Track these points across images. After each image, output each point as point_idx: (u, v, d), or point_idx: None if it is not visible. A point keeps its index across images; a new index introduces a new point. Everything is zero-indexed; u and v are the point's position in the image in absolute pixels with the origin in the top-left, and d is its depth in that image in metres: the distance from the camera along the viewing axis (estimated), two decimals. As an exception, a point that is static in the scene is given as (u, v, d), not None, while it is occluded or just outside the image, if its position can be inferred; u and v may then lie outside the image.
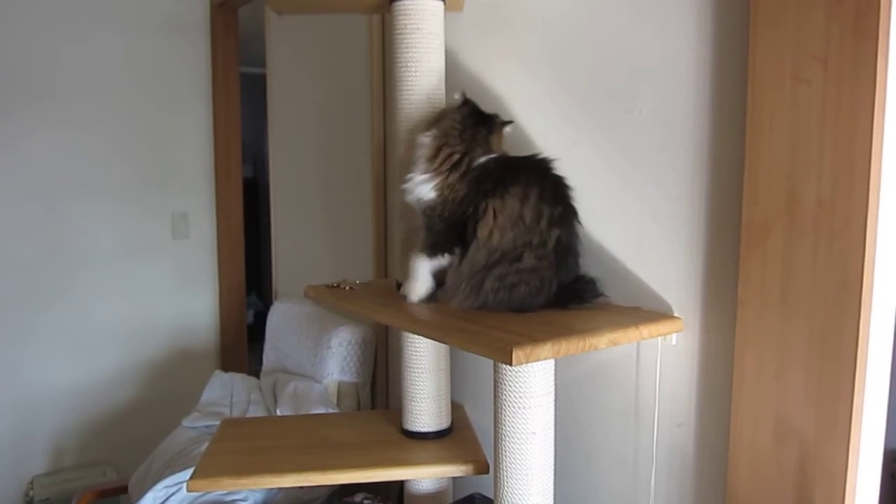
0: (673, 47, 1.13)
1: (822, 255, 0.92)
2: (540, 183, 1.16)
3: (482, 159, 1.19)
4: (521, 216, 1.13)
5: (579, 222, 1.19)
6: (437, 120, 1.25)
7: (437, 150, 1.19)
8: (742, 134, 1.01)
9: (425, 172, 1.19)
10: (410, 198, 1.22)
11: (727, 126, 1.06)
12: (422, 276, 1.24)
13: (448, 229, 1.19)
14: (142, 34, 2.95)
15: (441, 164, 1.19)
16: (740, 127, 1.01)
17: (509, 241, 1.13)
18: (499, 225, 1.14)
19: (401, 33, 1.32)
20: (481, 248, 1.15)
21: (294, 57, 2.70)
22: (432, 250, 1.22)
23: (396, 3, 1.33)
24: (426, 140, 1.21)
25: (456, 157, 1.18)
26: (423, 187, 1.19)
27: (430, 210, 1.20)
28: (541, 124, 1.37)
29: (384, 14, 1.46)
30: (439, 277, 1.24)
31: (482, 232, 1.15)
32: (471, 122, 1.21)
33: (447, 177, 1.18)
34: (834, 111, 0.90)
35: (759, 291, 1.00)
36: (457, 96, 1.26)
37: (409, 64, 1.32)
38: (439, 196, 1.18)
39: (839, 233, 0.90)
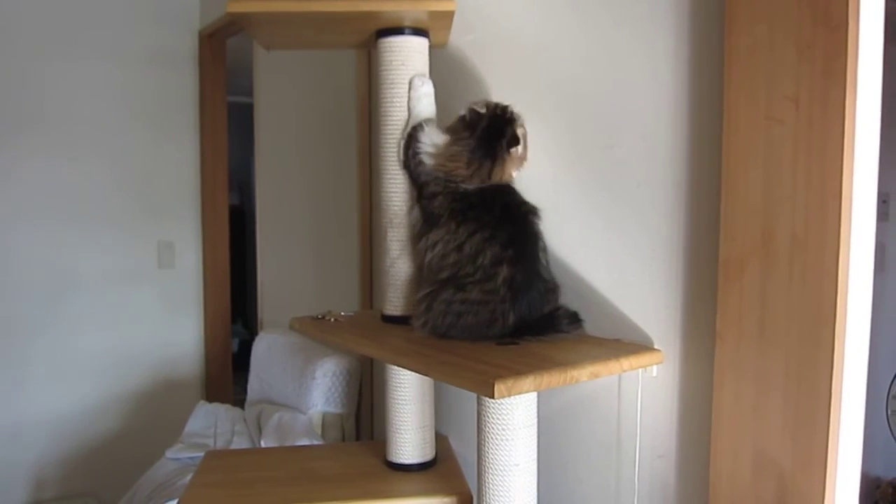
0: (652, 86, 1.16)
1: (796, 289, 0.94)
2: (495, 226, 1.18)
3: (469, 187, 1.21)
4: (459, 246, 1.19)
5: (540, 267, 1.21)
6: (454, 141, 1.25)
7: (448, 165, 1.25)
8: (718, 171, 1.03)
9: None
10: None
11: (704, 163, 1.08)
12: None
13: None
14: (131, 64, 2.97)
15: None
16: (717, 164, 1.04)
17: (448, 267, 1.20)
18: (431, 246, 1.23)
19: (386, 69, 1.35)
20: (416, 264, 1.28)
21: (281, 87, 2.73)
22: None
23: (382, 40, 1.35)
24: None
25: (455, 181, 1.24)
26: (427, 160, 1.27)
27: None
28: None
29: (370, 49, 1.48)
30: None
31: (419, 246, 1.27)
32: (479, 153, 1.22)
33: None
34: (806, 149, 0.92)
35: (736, 325, 1.02)
36: (481, 110, 1.24)
37: (394, 100, 1.34)
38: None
39: (813, 267, 0.92)
